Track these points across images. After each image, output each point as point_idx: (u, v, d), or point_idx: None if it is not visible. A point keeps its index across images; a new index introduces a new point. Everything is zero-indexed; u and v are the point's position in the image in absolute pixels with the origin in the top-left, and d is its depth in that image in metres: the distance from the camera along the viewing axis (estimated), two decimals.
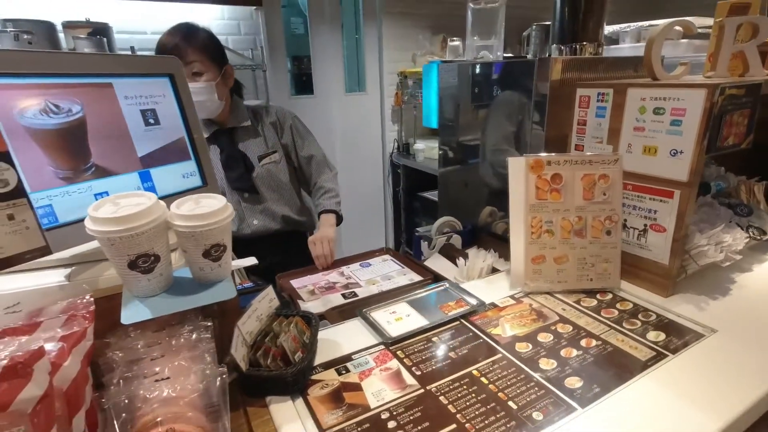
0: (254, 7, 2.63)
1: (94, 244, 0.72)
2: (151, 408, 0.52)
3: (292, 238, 1.53)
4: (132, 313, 0.60)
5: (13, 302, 0.57)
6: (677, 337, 0.79)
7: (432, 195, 3.02)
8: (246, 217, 1.43)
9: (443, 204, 1.69)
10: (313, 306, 1.04)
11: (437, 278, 1.15)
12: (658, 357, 0.74)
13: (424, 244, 1.38)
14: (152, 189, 0.78)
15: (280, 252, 1.48)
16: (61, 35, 2.02)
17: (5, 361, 0.41)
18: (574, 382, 0.69)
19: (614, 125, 0.94)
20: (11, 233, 0.57)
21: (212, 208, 0.63)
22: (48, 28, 1.94)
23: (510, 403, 0.65)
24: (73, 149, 0.69)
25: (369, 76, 3.20)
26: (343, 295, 1.09)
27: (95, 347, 0.55)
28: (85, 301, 0.55)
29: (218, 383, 0.55)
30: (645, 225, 0.92)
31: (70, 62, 0.69)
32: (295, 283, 1.18)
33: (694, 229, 0.92)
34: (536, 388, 0.68)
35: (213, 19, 2.56)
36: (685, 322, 0.83)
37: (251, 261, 0.77)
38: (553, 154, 0.94)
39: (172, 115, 0.83)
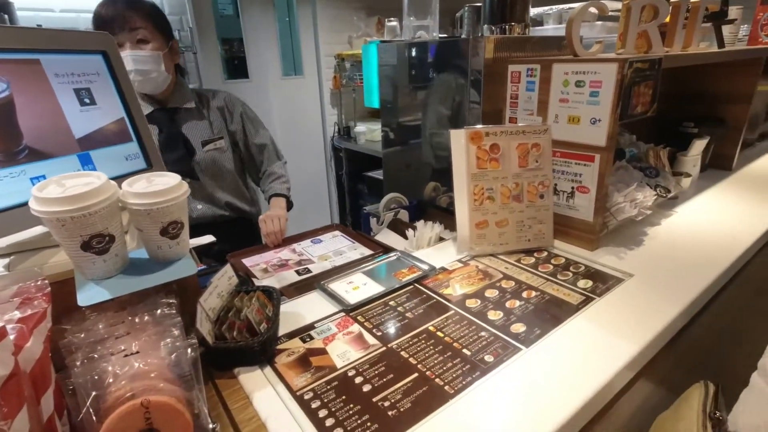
0: None
1: (33, 232, 0.68)
2: (121, 384, 0.52)
3: (239, 224, 1.52)
4: (89, 295, 0.58)
5: None
6: (602, 283, 0.90)
7: (377, 174, 3.07)
8: (189, 203, 1.39)
9: (388, 182, 1.74)
10: (269, 282, 1.05)
11: (386, 250, 1.20)
12: (587, 300, 0.84)
13: (372, 221, 1.42)
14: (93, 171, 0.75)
15: (228, 237, 1.45)
16: None
17: None
18: (518, 328, 0.77)
19: (542, 98, 1.03)
20: None
21: (167, 185, 0.63)
22: None
23: (464, 350, 0.72)
24: (2, 130, 0.65)
25: (305, 60, 3.15)
26: (297, 272, 1.11)
27: (53, 332, 0.53)
28: (39, 284, 0.53)
29: (189, 354, 0.56)
30: (572, 188, 1.03)
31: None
32: (247, 262, 1.18)
33: (612, 189, 1.04)
34: (486, 336, 0.75)
35: None
36: (608, 270, 0.95)
37: (209, 239, 0.77)
38: (491, 126, 1.01)
39: (108, 93, 0.80)
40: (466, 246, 1.05)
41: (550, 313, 0.81)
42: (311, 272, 1.11)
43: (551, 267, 0.97)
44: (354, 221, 3.48)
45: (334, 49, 3.17)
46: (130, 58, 1.18)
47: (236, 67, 2.96)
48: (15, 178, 0.65)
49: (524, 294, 0.87)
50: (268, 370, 0.69)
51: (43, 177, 0.68)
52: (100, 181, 0.58)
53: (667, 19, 1.15)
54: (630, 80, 0.91)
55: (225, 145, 1.41)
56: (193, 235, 1.23)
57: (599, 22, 1.78)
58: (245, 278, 0.98)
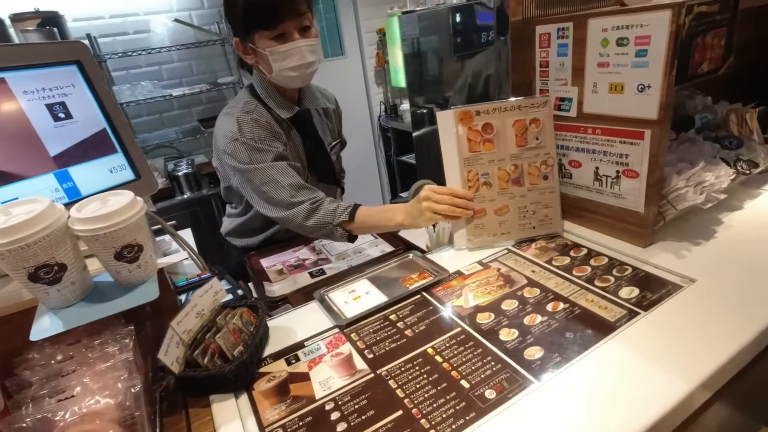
0: None
1: None
2: (61, 428, 0.48)
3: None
4: (42, 328, 0.56)
5: None
6: (652, 291, 0.73)
7: (411, 158, 2.92)
8: None
9: (422, 166, 1.61)
10: (279, 287, 1.00)
11: (408, 246, 1.10)
12: (630, 316, 0.68)
13: None
14: (74, 189, 0.73)
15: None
16: (12, 30, 1.93)
17: None
18: (533, 353, 0.64)
19: (577, 63, 0.85)
20: None
21: (118, 206, 0.58)
22: None
23: (462, 381, 0.61)
24: None
25: (347, 39, 3.04)
26: (311, 274, 1.05)
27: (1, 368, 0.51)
28: None
29: (135, 394, 0.51)
30: (617, 172, 0.84)
31: None
32: (265, 262, 1.14)
33: (670, 171, 0.84)
34: (492, 363, 0.63)
35: None
36: (662, 273, 0.77)
37: (182, 256, 0.72)
38: (483, 103, 0.87)
39: (86, 105, 0.77)
40: (463, 240, 0.93)
41: (578, 334, 0.66)
42: (325, 274, 1.04)
43: (589, 270, 0.81)
44: None
45: (375, 24, 3.02)
46: (304, 48, 0.96)
47: None
48: None
49: (549, 306, 0.73)
50: (243, 398, 0.64)
51: (16, 199, 0.67)
52: (42, 207, 0.55)
53: None
54: (690, 31, 0.70)
55: (340, 148, 1.30)
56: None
57: None
58: (240, 288, 0.93)
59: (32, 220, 0.52)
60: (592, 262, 0.83)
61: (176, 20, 2.37)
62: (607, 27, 0.77)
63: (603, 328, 0.66)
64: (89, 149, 0.76)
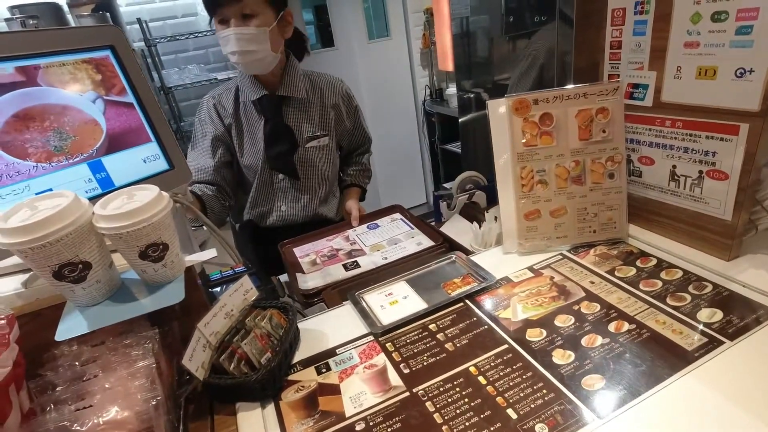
0: None
1: None
2: None
3: (318, 227, 1.39)
4: (67, 327, 0.54)
5: None
6: (739, 316, 0.62)
7: (456, 147, 2.79)
8: (276, 201, 1.29)
9: (467, 156, 1.52)
10: (311, 279, 0.97)
11: (450, 243, 1.02)
12: (711, 345, 0.58)
13: (443, 205, 1.24)
14: (107, 180, 0.71)
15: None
16: (69, 16, 1.99)
17: None
18: (593, 382, 0.56)
19: (658, 44, 0.73)
20: None
21: (142, 203, 0.54)
22: (54, 9, 1.91)
23: (509, 410, 0.54)
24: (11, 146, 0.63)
25: (392, 20, 2.94)
26: (345, 266, 1.00)
27: (24, 370, 0.50)
28: (3, 321, 0.49)
29: (153, 405, 0.48)
30: (700, 172, 0.72)
31: None
32: (298, 251, 1.11)
33: (767, 173, 0.71)
34: (544, 391, 0.56)
35: None
36: (751, 294, 0.65)
37: (211, 254, 0.68)
38: (542, 90, 0.78)
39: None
40: (513, 243, 0.85)
41: (647, 363, 0.57)
42: (360, 267, 0.99)
43: (660, 284, 0.70)
44: None
45: (423, 3, 2.89)
46: (233, 36, 1.03)
47: (321, 35, 2.88)
48: (18, 195, 0.63)
49: (611, 326, 0.64)
50: (270, 408, 0.60)
51: (50, 190, 0.65)
52: (66, 202, 0.52)
53: None
54: None
55: (329, 143, 1.28)
56: (275, 236, 1.19)
57: None
58: (273, 287, 0.90)
59: (55, 216, 0.50)
60: (663, 275, 0.73)
61: None
62: None
63: (678, 358, 0.57)
64: (124, 138, 0.74)
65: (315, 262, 1.06)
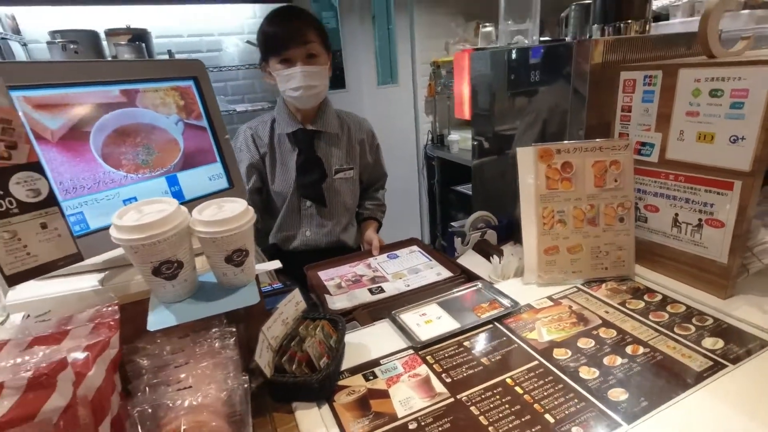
0: (285, 5, 2.64)
1: (122, 250, 0.73)
2: (175, 416, 0.52)
3: (338, 253, 1.50)
4: (158, 319, 0.60)
5: (44, 310, 0.59)
6: (738, 344, 0.71)
7: (466, 189, 2.95)
8: (301, 226, 1.37)
9: (477, 197, 1.63)
10: (339, 301, 1.03)
11: (467, 274, 1.11)
12: (716, 367, 0.67)
13: (457, 241, 1.34)
14: (179, 193, 0.79)
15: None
16: (105, 43, 2.11)
17: (30, 373, 0.42)
18: (618, 394, 0.63)
19: (663, 110, 0.86)
20: (44, 241, 0.59)
21: (233, 213, 0.62)
22: (92, 36, 2.03)
23: (547, 416, 0.61)
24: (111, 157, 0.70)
25: (401, 68, 3.15)
26: (370, 291, 1.07)
27: (122, 354, 0.55)
28: (110, 309, 0.55)
29: (241, 392, 0.54)
30: (699, 220, 0.84)
31: (95, 71, 0.70)
32: (323, 275, 1.17)
33: (758, 224, 0.83)
34: (576, 400, 0.63)
35: (245, 18, 2.60)
36: (747, 327, 0.75)
37: (275, 264, 0.76)
38: (564, 142, 0.90)
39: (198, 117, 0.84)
40: (533, 274, 0.94)
41: (663, 380, 0.65)
42: (384, 291, 1.06)
43: (666, 316, 0.80)
44: (444, 232, 3.39)
45: (431, 55, 3.11)
46: (300, 74, 1.16)
47: (335, 77, 3.06)
48: (111, 201, 0.70)
49: (628, 349, 0.72)
50: (325, 408, 0.66)
51: (135, 199, 0.73)
52: (172, 208, 0.60)
53: None
54: None
55: (354, 175, 1.40)
56: (297, 260, 1.27)
57: (746, 11, 1.47)
58: (315, 302, 0.97)
59: (165, 219, 0.57)
60: (668, 308, 0.82)
61: (248, 42, 2.52)
62: (700, 78, 0.79)
63: (689, 377, 0.65)
64: (195, 157, 0.83)
65: (340, 286, 1.12)
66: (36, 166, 0.58)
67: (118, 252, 0.72)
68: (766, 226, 0.82)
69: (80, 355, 0.48)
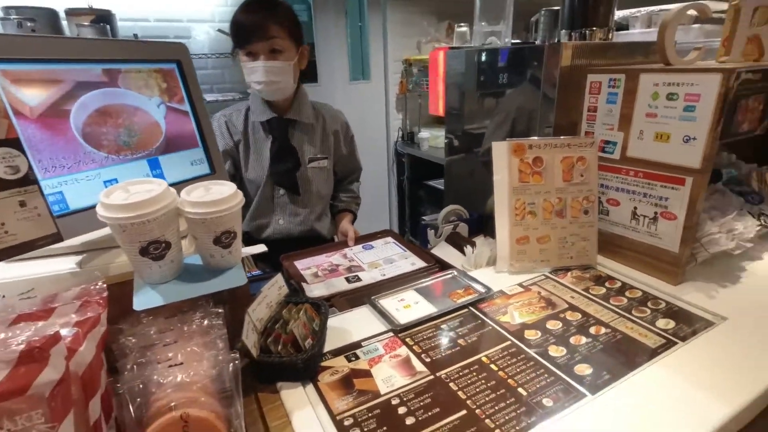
0: None
1: (104, 231, 0.72)
2: (164, 393, 0.52)
3: (311, 243, 1.50)
4: (144, 299, 0.60)
5: (27, 288, 0.57)
6: (687, 324, 0.79)
7: (437, 183, 3.01)
8: (274, 214, 1.38)
9: (449, 192, 1.68)
10: (316, 289, 1.04)
11: (441, 264, 1.15)
12: (668, 344, 0.74)
13: (430, 233, 1.38)
14: (161, 176, 0.78)
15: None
16: (65, 22, 2.01)
17: (23, 346, 0.42)
18: (583, 369, 0.69)
19: (626, 111, 0.93)
20: (23, 220, 0.57)
21: (222, 195, 0.63)
22: (51, 15, 1.93)
23: (520, 389, 0.65)
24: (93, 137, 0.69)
25: (373, 64, 3.17)
26: (347, 279, 1.09)
27: (108, 333, 0.55)
28: (98, 287, 0.55)
29: (230, 369, 0.55)
30: (655, 213, 0.91)
31: (76, 48, 0.69)
32: (299, 265, 1.18)
33: (705, 217, 0.91)
34: (546, 375, 0.68)
35: (216, 5, 2.54)
36: (694, 309, 0.83)
37: (261, 248, 0.77)
38: (535, 138, 0.96)
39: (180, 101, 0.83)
40: (506, 263, 0.99)
41: (622, 356, 0.72)
42: (361, 280, 1.08)
43: (625, 300, 0.87)
44: (413, 228, 3.45)
45: (403, 53, 3.15)
46: (262, 69, 1.17)
47: (307, 71, 3.04)
48: (91, 181, 0.69)
49: (592, 330, 0.78)
50: (310, 388, 0.68)
51: (116, 180, 0.72)
52: (161, 188, 0.60)
53: None
54: (736, 94, 0.79)
55: (328, 165, 1.41)
56: (271, 248, 1.26)
57: (696, 25, 1.59)
58: (296, 288, 0.98)
59: (155, 198, 0.57)
60: (627, 294, 0.90)
61: (219, 30, 2.47)
62: (659, 82, 0.86)
63: (645, 353, 0.72)
64: (177, 141, 0.82)
65: (317, 275, 1.14)
66: (15, 143, 0.56)
67: (97, 234, 0.71)
68: (712, 219, 0.91)
69: (70, 331, 0.47)
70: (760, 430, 0.66)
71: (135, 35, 2.25)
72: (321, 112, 1.41)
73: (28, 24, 1.80)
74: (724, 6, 1.00)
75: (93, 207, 0.64)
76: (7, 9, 1.85)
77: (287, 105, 1.32)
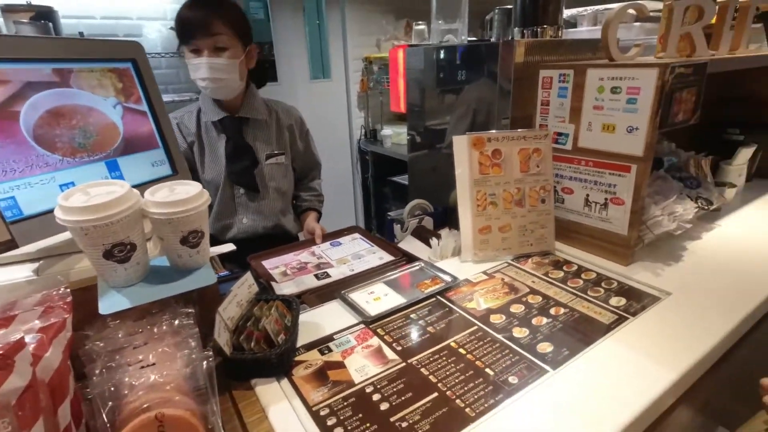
0: None
1: (60, 237, 0.70)
2: (137, 395, 0.52)
3: (278, 240, 1.48)
4: (110, 303, 0.59)
5: None
6: (636, 301, 0.85)
7: (402, 179, 3.05)
8: (237, 214, 1.37)
9: (413, 187, 1.72)
10: (286, 287, 1.05)
11: (408, 257, 1.18)
12: (620, 320, 0.79)
13: (396, 227, 1.40)
14: (120, 178, 0.76)
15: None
16: (0, 20, 1.89)
17: None
18: (545, 347, 0.73)
19: (575, 104, 0.99)
20: None
21: (189, 194, 0.62)
22: None
23: (487, 370, 0.69)
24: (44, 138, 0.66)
25: (334, 63, 3.16)
26: (316, 276, 1.10)
27: (74, 339, 0.54)
28: (61, 292, 0.53)
29: (204, 366, 0.55)
30: (605, 199, 0.98)
31: (25, 47, 0.66)
32: (267, 264, 1.18)
33: (649, 201, 0.98)
34: (511, 355, 0.72)
35: (168, 2, 2.46)
36: (643, 287, 0.90)
37: (229, 247, 0.76)
38: (493, 131, 1.01)
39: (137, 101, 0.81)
40: (470, 252, 1.03)
41: (580, 333, 0.77)
42: (330, 277, 1.09)
43: (581, 282, 0.93)
44: (379, 225, 3.47)
45: (362, 52, 3.17)
46: (206, 65, 1.16)
47: (266, 70, 2.99)
48: (45, 185, 0.66)
49: (552, 310, 0.83)
50: (285, 382, 0.68)
51: (72, 184, 0.69)
52: (123, 189, 0.59)
53: (713, 20, 1.08)
54: (671, 86, 0.85)
55: (286, 161, 1.41)
56: (237, 248, 1.25)
57: (637, 24, 1.70)
58: (265, 286, 0.98)
59: (118, 199, 0.56)
60: (582, 276, 0.95)
61: (172, 28, 2.39)
62: (604, 77, 0.92)
63: (600, 329, 0.77)
64: (136, 142, 0.80)
65: (286, 273, 1.14)
66: None
67: (55, 240, 0.69)
68: (656, 203, 0.98)
69: (34, 338, 0.46)
70: (703, 391, 0.73)
71: (80, 33, 2.15)
72: (274, 109, 1.41)
73: None
74: (661, 5, 1.08)
75: (49, 211, 0.63)
76: None
77: (238, 103, 1.31)
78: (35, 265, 0.66)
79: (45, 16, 1.92)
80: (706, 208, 1.07)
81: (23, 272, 0.65)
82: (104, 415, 0.49)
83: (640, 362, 0.69)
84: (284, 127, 1.41)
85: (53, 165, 0.67)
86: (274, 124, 1.39)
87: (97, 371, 0.53)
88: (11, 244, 0.59)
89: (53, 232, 0.66)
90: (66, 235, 0.69)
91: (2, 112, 0.62)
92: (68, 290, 0.54)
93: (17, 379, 0.42)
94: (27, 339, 0.45)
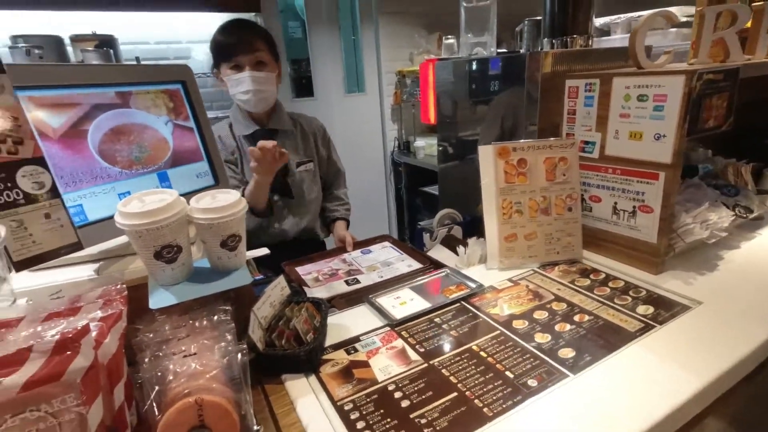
0: (253, 14, 2.70)
1: (118, 241, 0.78)
2: (180, 381, 0.57)
3: (309, 246, 1.56)
4: (159, 299, 0.66)
5: (56, 290, 0.63)
6: (665, 309, 0.84)
7: (433, 190, 3.07)
8: (272, 220, 1.46)
9: (443, 197, 1.74)
10: (317, 292, 1.10)
11: (436, 265, 1.20)
12: (647, 328, 0.79)
13: (426, 236, 1.43)
14: (169, 188, 0.85)
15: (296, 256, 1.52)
16: (69, 49, 2.09)
17: (57, 337, 0.47)
18: (567, 353, 0.74)
19: (602, 113, 0.99)
20: (48, 230, 0.64)
21: (228, 201, 0.69)
22: (56, 42, 2.01)
23: (507, 372, 0.71)
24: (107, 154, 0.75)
25: (368, 77, 3.25)
26: (347, 282, 1.14)
27: (127, 331, 0.61)
28: (118, 287, 0.61)
29: (239, 358, 0.60)
30: (634, 207, 0.97)
31: (93, 74, 0.75)
32: (301, 270, 1.24)
33: (680, 209, 0.97)
34: (531, 359, 0.73)
35: (214, 26, 2.62)
36: (672, 296, 0.88)
37: (263, 251, 0.82)
38: (519, 141, 1.03)
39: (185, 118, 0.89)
40: (496, 260, 1.05)
41: (604, 339, 0.77)
42: (360, 283, 1.14)
43: (608, 290, 0.92)
44: (411, 235, 3.50)
45: (396, 65, 3.24)
46: (249, 78, 1.27)
47: (303, 85, 3.12)
48: (107, 194, 0.75)
49: (576, 317, 0.84)
50: (312, 378, 0.73)
51: (128, 193, 0.78)
52: (172, 198, 0.66)
53: (749, 24, 1.05)
54: (700, 93, 0.85)
55: (314, 168, 1.51)
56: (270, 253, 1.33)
57: (674, 29, 1.67)
58: (297, 289, 1.04)
59: (167, 206, 0.63)
60: (610, 284, 0.95)
61: None
62: (630, 85, 0.92)
63: (625, 336, 0.77)
64: (184, 156, 0.88)
65: (318, 279, 1.19)
66: (40, 161, 0.63)
67: (113, 243, 0.77)
68: (687, 211, 0.96)
69: (96, 326, 0.53)
70: (734, 403, 0.71)
71: (137, 58, 2.34)
72: (297, 120, 1.52)
73: (36, 51, 1.89)
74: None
75: (109, 218, 0.71)
76: (15, 38, 1.94)
77: (267, 117, 1.42)
78: (96, 265, 0.75)
79: (107, 43, 2.12)
80: (745, 216, 1.04)
81: (86, 271, 0.73)
82: (152, 397, 0.56)
83: (665, 369, 0.68)
84: (308, 135, 1.51)
85: (114, 176, 0.76)
86: (299, 134, 1.49)
87: (146, 359, 0.60)
88: (77, 246, 0.67)
89: (111, 236, 0.75)
90: (122, 239, 0.78)
91: (74, 131, 0.72)
92: (125, 286, 0.61)
93: (82, 359, 0.48)
94: (90, 326, 0.52)
